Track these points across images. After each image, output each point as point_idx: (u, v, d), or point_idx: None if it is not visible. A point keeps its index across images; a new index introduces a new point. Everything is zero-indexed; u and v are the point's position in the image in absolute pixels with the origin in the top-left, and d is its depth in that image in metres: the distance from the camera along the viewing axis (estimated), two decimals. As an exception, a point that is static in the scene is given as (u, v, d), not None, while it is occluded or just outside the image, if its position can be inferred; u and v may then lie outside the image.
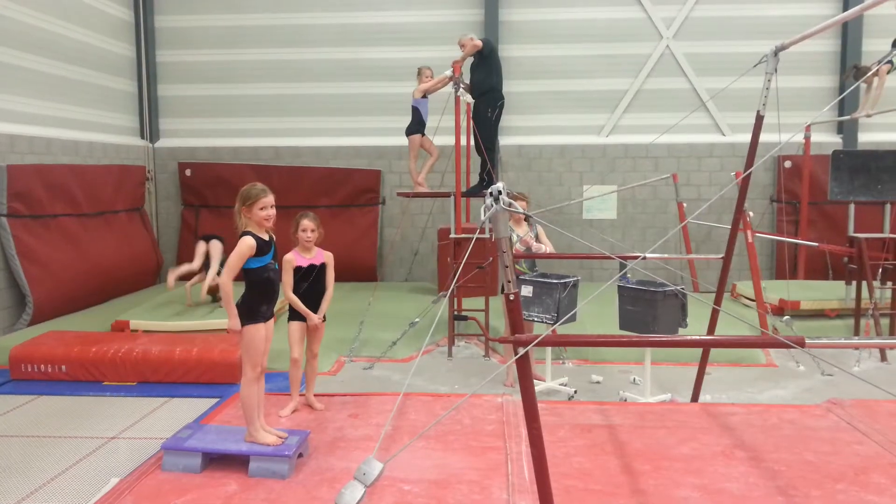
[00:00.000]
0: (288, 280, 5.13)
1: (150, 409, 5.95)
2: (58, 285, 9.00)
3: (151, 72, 12.17)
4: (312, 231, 5.17)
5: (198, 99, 12.27)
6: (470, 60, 8.20)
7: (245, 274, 4.30)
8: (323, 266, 5.26)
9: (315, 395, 5.48)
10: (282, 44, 12.02)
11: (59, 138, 9.77)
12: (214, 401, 6.05)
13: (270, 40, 12.03)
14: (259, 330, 4.29)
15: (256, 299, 4.27)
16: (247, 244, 4.19)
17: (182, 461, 4.25)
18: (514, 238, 6.55)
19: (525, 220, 6.67)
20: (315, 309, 5.23)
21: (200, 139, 12.24)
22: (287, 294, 5.16)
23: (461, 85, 7.99)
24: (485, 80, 8.10)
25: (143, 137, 12.15)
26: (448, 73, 8.12)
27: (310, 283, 5.20)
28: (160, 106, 12.32)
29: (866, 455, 4.46)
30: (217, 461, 4.32)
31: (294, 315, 5.24)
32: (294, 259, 5.16)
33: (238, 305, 4.29)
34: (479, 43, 7.99)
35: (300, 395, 5.45)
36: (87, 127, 10.60)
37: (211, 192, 11.95)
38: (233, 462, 4.27)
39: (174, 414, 5.83)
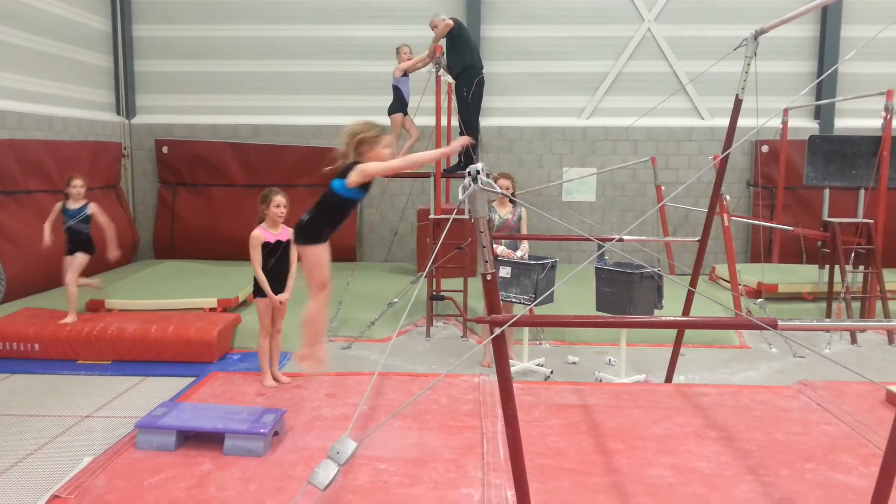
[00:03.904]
0: (256, 257, 5.18)
1: (125, 388, 5.91)
2: (31, 262, 8.85)
3: (128, 46, 11.94)
4: (286, 206, 5.24)
5: (176, 75, 12.08)
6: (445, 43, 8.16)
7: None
8: (289, 243, 5.27)
9: (290, 374, 5.49)
10: (262, 20, 11.84)
11: (33, 113, 9.58)
12: (190, 380, 6.02)
13: (251, 16, 11.84)
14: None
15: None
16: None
17: (156, 439, 4.22)
18: (496, 219, 6.54)
19: (509, 200, 6.66)
20: (281, 286, 5.26)
21: (178, 116, 12.06)
22: (256, 272, 5.21)
23: (441, 65, 7.94)
24: (459, 59, 8.08)
25: (118, 113, 11.95)
26: (428, 52, 8.07)
27: (276, 260, 5.22)
28: (137, 81, 12.11)
29: (835, 435, 4.54)
30: (192, 439, 4.30)
31: (260, 292, 5.27)
32: (262, 235, 5.18)
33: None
34: (451, 22, 7.98)
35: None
36: (62, 102, 10.40)
37: (188, 169, 11.82)
38: (208, 440, 4.25)
39: (149, 393, 5.80)
